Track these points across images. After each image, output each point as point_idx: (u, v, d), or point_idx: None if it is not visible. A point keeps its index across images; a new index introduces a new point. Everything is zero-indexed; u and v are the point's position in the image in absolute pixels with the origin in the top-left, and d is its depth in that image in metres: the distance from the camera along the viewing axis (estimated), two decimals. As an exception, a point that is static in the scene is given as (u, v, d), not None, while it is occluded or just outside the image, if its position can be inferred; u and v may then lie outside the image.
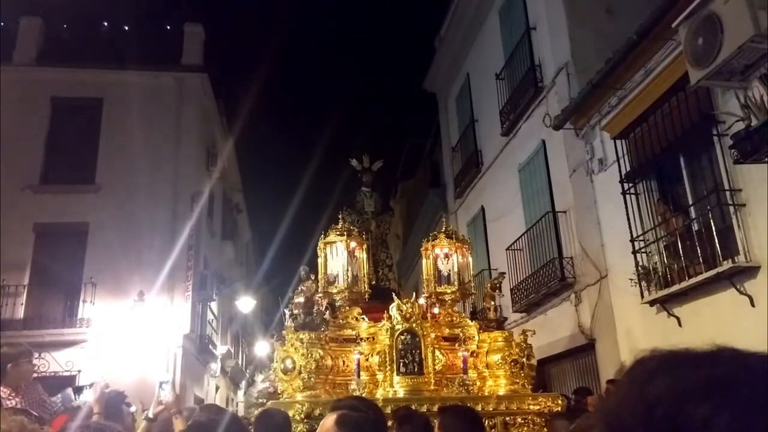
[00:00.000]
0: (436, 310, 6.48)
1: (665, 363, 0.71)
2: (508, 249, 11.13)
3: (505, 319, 7.07)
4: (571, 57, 9.41)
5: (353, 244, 6.48)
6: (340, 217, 6.84)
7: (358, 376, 5.76)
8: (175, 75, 16.25)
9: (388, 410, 5.19)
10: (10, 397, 4.34)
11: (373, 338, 6.10)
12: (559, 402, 5.92)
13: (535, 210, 10.56)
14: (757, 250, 5.87)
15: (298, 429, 5.17)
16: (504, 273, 8.10)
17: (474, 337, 6.29)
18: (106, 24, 16.91)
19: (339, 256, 6.41)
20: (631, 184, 7.76)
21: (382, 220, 8.08)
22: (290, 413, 5.12)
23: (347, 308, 6.34)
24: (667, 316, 7.06)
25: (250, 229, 28.03)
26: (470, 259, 6.87)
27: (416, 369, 5.83)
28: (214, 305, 18.00)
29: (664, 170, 7.65)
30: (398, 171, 22.81)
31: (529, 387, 6.14)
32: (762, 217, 5.74)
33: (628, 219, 7.61)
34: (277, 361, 5.92)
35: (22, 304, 13.80)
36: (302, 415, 5.19)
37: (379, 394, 5.72)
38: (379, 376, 5.89)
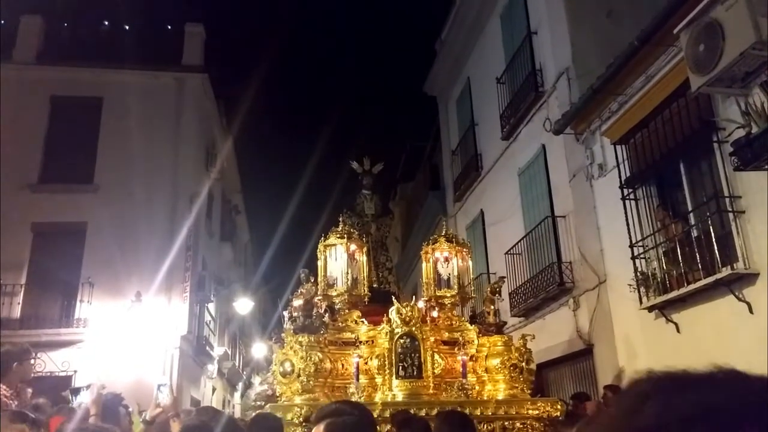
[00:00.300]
0: (435, 314, 6.48)
1: (658, 387, 0.66)
2: (507, 253, 11.12)
3: (505, 323, 7.06)
4: (572, 62, 9.42)
5: (353, 246, 6.48)
6: (340, 219, 6.84)
7: (357, 379, 5.76)
8: (175, 75, 16.21)
9: (387, 414, 5.19)
10: (11, 398, 4.32)
11: (373, 341, 6.10)
12: (558, 407, 5.92)
13: (535, 214, 10.56)
14: (756, 257, 5.87)
15: (296, 432, 5.16)
16: (504, 277, 8.10)
17: (473, 341, 6.29)
18: (106, 23, 16.88)
19: (339, 259, 6.41)
20: (630, 190, 7.76)
21: (382, 223, 8.07)
22: (288, 416, 5.11)
23: (347, 311, 6.34)
24: (665, 322, 7.05)
25: (249, 230, 28.00)
26: (470, 262, 6.88)
27: (415, 373, 5.82)
28: (211, 306, 17.98)
29: (664, 176, 7.65)
30: (398, 173, 22.81)
31: (528, 392, 6.14)
32: (761, 224, 5.75)
33: (628, 224, 7.61)
34: (275, 364, 5.91)
35: (19, 303, 13.75)
36: (300, 419, 5.18)
37: (378, 397, 5.72)
38: (378, 380, 5.89)
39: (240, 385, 24.77)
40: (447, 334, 6.29)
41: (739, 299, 5.99)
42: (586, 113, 8.70)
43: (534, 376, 6.29)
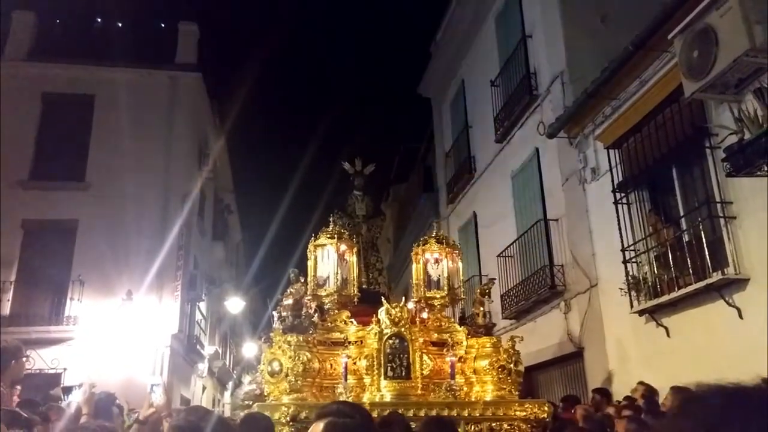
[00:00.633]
0: (425, 315, 6.47)
1: (733, 404, 0.70)
2: (499, 255, 11.12)
3: (494, 325, 7.05)
4: (567, 66, 9.43)
5: (343, 247, 6.46)
6: (330, 219, 6.82)
7: (345, 379, 5.73)
8: (168, 73, 16.16)
9: (375, 414, 5.15)
10: (8, 397, 4.26)
11: (362, 342, 6.08)
12: (545, 409, 5.91)
13: (527, 217, 10.57)
14: (746, 263, 5.88)
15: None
16: (494, 279, 8.09)
17: (462, 342, 6.27)
18: (99, 20, 16.79)
19: (329, 259, 6.39)
20: (623, 194, 7.77)
21: (373, 224, 8.05)
22: (276, 416, 5.08)
23: (336, 311, 6.31)
24: (655, 326, 7.07)
25: (241, 230, 27.94)
26: (460, 264, 6.86)
27: (404, 373, 5.81)
28: (202, 305, 17.92)
29: (656, 181, 7.67)
30: (391, 175, 22.80)
31: (516, 393, 6.13)
32: (752, 229, 5.77)
33: (620, 229, 7.62)
34: (264, 363, 5.88)
35: (8, 300, 13.68)
36: (287, 418, 5.16)
37: (366, 398, 5.70)
38: (367, 380, 5.87)
39: (230, 385, 24.71)
40: (436, 335, 6.27)
41: (729, 304, 6.00)
42: (579, 117, 8.71)
43: (522, 377, 6.28)
